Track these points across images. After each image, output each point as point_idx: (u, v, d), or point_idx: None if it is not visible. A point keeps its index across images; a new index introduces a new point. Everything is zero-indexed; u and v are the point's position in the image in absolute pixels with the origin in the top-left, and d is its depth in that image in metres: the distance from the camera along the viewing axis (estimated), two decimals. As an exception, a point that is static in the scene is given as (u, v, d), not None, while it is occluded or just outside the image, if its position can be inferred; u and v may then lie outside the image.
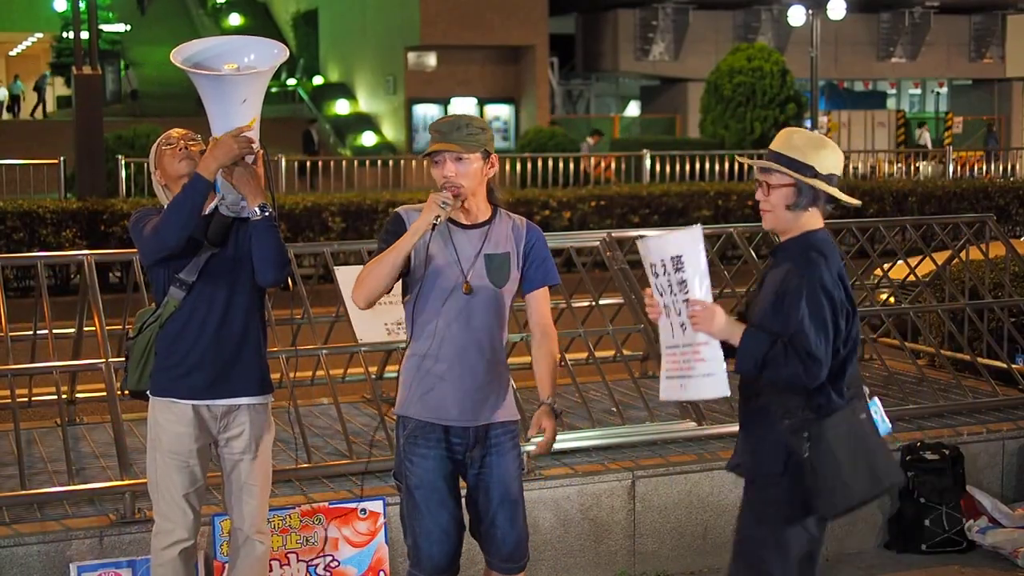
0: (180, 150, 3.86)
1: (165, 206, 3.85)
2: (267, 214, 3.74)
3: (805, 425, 3.29)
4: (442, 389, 3.63)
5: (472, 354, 3.64)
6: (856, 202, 3.52)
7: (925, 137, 31.08)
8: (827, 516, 3.37)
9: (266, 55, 3.79)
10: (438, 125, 3.66)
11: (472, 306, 3.63)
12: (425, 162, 3.70)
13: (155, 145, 3.94)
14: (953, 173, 21.10)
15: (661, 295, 3.37)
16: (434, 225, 3.55)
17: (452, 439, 3.66)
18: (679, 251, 3.26)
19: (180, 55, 3.73)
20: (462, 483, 3.76)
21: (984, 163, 22.99)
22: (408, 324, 3.74)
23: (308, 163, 18.94)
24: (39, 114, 37.10)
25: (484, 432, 3.69)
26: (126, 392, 4.04)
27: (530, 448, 3.80)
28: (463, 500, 3.75)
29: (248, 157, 3.74)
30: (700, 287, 3.25)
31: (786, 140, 3.41)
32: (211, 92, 3.68)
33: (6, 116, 37.31)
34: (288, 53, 3.85)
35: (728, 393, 3.26)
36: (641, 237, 3.48)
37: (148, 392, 3.89)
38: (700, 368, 3.28)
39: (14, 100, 37.90)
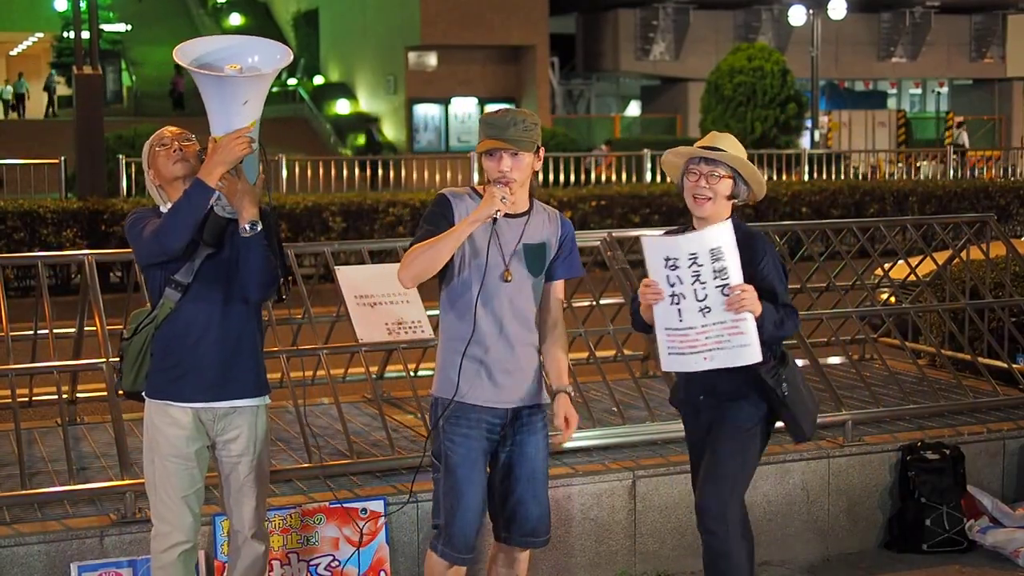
0: (175, 151, 3.82)
1: (160, 206, 3.83)
2: (257, 231, 3.72)
3: (778, 370, 3.97)
4: (482, 372, 3.77)
5: (510, 339, 3.79)
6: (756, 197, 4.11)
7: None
8: (809, 437, 4.16)
9: (270, 57, 3.76)
10: (492, 120, 3.75)
11: (511, 293, 3.78)
12: (477, 155, 3.80)
13: (148, 144, 3.90)
14: (954, 173, 21.11)
15: (672, 285, 3.80)
16: (494, 219, 3.68)
17: (491, 420, 3.79)
18: (718, 243, 3.77)
19: (183, 54, 3.71)
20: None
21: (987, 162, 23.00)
22: (446, 308, 3.84)
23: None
24: (48, 113, 37.14)
25: (517, 413, 3.82)
26: (121, 392, 4.03)
27: (555, 435, 3.90)
28: (488, 479, 3.87)
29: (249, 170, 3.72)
30: (736, 273, 3.78)
31: (725, 140, 4.01)
32: (213, 92, 3.66)
33: (11, 116, 37.33)
34: (292, 56, 3.84)
35: (761, 359, 3.83)
36: (642, 236, 3.86)
37: (144, 394, 3.87)
38: (737, 340, 3.81)
39: (18, 99, 37.86)
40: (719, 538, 4.02)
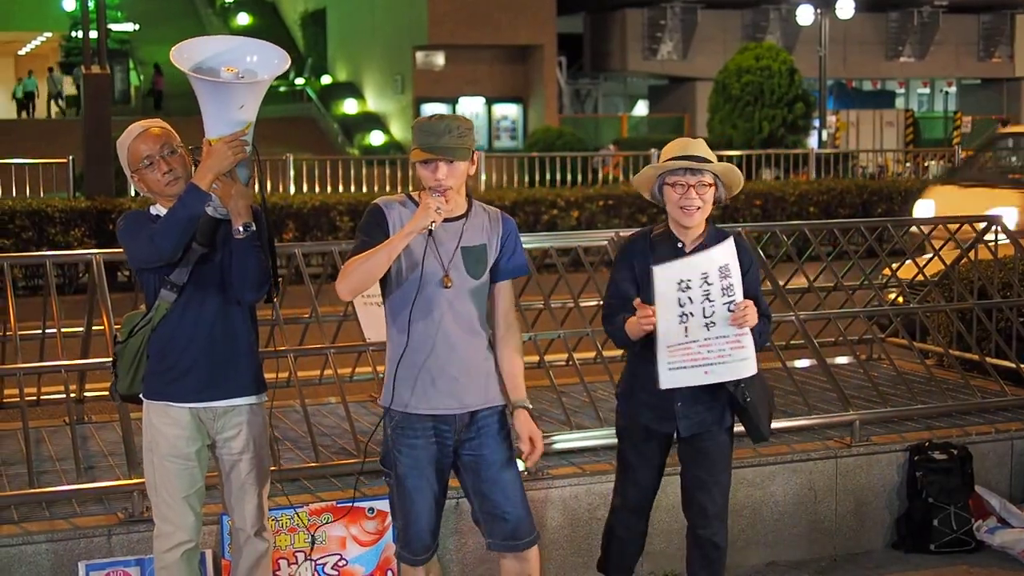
0: (165, 173, 3.75)
1: (148, 201, 3.81)
2: (250, 233, 3.71)
3: (739, 382, 4.00)
4: (426, 381, 3.72)
5: (454, 345, 3.73)
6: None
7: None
8: (768, 438, 4.23)
9: (267, 61, 3.73)
10: (426, 127, 3.67)
11: (452, 299, 3.72)
12: (411, 163, 3.75)
13: (127, 148, 3.78)
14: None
15: (682, 305, 3.84)
16: (429, 230, 3.63)
17: (440, 427, 3.76)
18: (725, 260, 3.85)
19: (180, 57, 3.66)
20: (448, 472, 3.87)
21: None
22: (389, 319, 3.81)
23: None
24: (51, 114, 37.24)
25: (471, 418, 3.78)
26: (115, 397, 4.00)
27: (521, 463, 3.88)
28: (462, 487, 3.87)
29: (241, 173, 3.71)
30: (740, 288, 3.87)
31: (700, 147, 4.02)
32: (208, 96, 3.63)
33: (22, 115, 37.40)
34: (289, 61, 3.81)
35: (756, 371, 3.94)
36: (654, 267, 3.87)
37: (141, 396, 3.87)
38: (738, 354, 3.89)
39: (28, 97, 37.90)
40: (719, 539, 4.16)
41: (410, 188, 18.84)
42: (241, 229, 3.69)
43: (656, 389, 4.00)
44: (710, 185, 3.96)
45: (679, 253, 4.01)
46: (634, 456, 4.21)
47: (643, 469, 4.20)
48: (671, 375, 3.89)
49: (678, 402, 4.06)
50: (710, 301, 3.84)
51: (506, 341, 3.85)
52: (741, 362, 3.89)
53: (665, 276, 3.85)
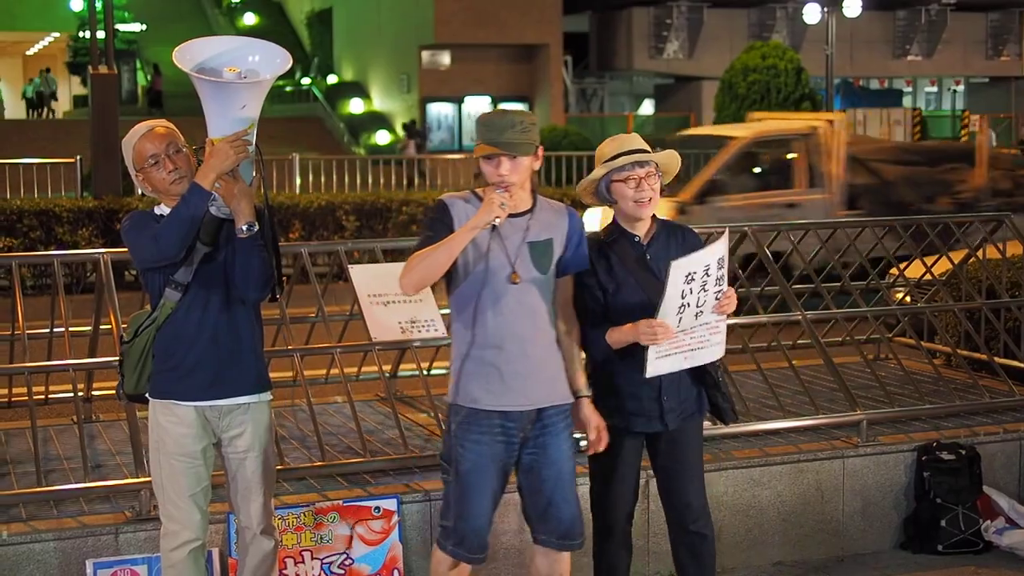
0: (171, 172, 3.77)
1: (156, 207, 3.81)
2: (253, 232, 3.71)
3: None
4: (495, 376, 3.71)
5: (523, 341, 3.72)
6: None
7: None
8: (737, 418, 4.31)
9: (269, 61, 3.73)
10: (490, 122, 3.67)
11: (520, 293, 3.71)
12: (475, 156, 3.74)
13: (132, 147, 3.80)
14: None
15: (683, 297, 3.83)
16: (493, 226, 3.64)
17: (507, 424, 3.74)
18: (722, 252, 3.90)
19: (182, 57, 3.66)
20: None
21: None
22: (454, 314, 3.80)
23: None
24: (41, 115, 37.35)
25: (538, 415, 3.77)
26: (121, 397, 4.01)
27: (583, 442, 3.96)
28: (518, 483, 3.86)
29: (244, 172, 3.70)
30: (725, 279, 3.95)
31: (638, 140, 4.06)
32: (210, 96, 3.64)
33: (33, 115, 37.46)
34: (291, 61, 3.81)
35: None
36: (672, 263, 3.83)
37: (147, 395, 3.87)
38: (715, 339, 3.99)
39: (39, 96, 37.92)
40: (708, 530, 4.17)
41: (434, 185, 18.71)
42: (244, 228, 3.70)
43: (639, 391, 3.99)
44: (656, 174, 4.01)
45: (638, 248, 4.02)
46: (621, 466, 4.08)
47: (629, 478, 4.12)
48: (657, 364, 3.89)
49: (664, 396, 4.03)
50: (705, 291, 3.88)
51: (569, 333, 3.89)
52: (715, 347, 4.00)
53: (680, 271, 3.84)
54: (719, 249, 3.90)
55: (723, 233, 3.95)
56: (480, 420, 3.72)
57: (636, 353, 3.91)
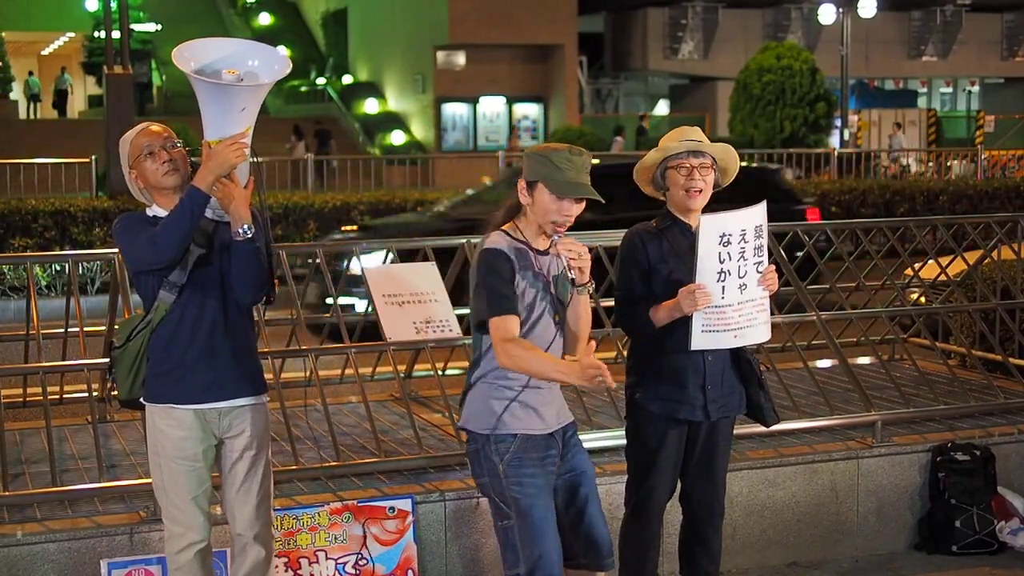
0: (165, 163, 3.75)
1: (147, 208, 3.79)
2: (249, 235, 3.69)
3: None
4: (540, 400, 3.68)
5: None
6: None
7: None
8: (778, 419, 4.25)
9: (269, 65, 3.72)
10: (568, 160, 3.56)
11: (558, 325, 3.73)
12: (524, 184, 3.61)
13: (129, 144, 3.79)
14: (984, 172, 20.93)
15: (722, 262, 3.87)
16: (549, 281, 3.68)
17: (550, 451, 3.70)
18: (760, 220, 3.91)
19: (183, 58, 3.65)
20: None
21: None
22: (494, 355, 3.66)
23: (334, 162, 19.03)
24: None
25: (563, 434, 3.77)
26: (113, 402, 3.98)
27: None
28: (555, 506, 3.75)
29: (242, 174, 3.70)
30: (765, 250, 3.95)
31: (698, 132, 4.08)
32: (209, 98, 3.63)
33: (52, 113, 37.59)
34: (291, 65, 3.80)
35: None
36: (701, 216, 3.91)
37: (142, 400, 3.83)
38: (761, 317, 3.97)
39: (60, 95, 38.00)
40: (720, 530, 4.23)
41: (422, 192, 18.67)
42: (240, 231, 3.67)
43: (681, 377, 4.00)
44: (711, 168, 4.03)
45: (690, 236, 3.99)
46: (662, 452, 4.09)
47: (669, 467, 4.12)
48: (704, 337, 3.91)
49: (708, 385, 4.03)
50: (744, 259, 3.89)
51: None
52: (763, 326, 3.98)
53: (709, 226, 3.86)
54: (756, 215, 3.90)
55: (762, 204, 3.95)
56: (530, 449, 3.65)
57: (682, 340, 3.94)
